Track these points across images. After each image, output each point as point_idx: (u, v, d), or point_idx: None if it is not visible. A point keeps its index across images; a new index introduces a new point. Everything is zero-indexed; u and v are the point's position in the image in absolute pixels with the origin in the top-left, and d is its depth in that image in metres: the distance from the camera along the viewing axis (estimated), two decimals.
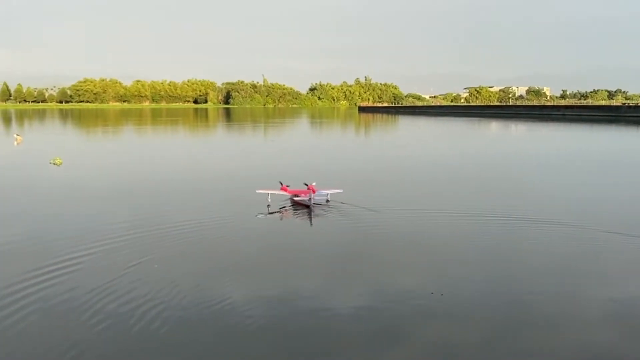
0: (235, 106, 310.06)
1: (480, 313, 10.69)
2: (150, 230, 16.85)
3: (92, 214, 19.24)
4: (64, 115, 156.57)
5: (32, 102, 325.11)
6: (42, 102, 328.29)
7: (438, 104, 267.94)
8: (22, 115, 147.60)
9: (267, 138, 66.94)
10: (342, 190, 22.19)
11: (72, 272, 12.82)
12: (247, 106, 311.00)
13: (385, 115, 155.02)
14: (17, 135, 55.12)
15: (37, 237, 16.12)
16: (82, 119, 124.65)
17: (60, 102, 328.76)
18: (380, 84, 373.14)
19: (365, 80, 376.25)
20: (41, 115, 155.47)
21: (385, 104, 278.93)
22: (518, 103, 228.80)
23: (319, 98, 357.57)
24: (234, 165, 34.48)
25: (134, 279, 12.32)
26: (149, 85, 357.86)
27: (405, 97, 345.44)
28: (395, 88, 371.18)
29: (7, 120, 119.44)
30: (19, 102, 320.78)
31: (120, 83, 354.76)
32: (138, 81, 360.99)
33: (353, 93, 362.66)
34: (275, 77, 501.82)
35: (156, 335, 9.67)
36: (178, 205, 21.08)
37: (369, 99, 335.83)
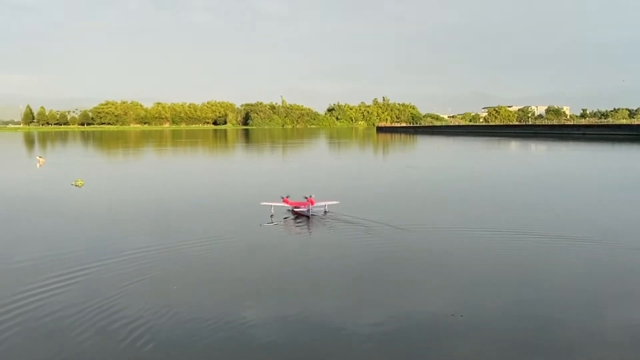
0: (254, 127, 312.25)
1: (501, 335, 10.44)
2: (162, 247, 16.95)
3: (107, 233, 19.37)
4: (86, 137, 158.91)
5: (54, 124, 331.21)
6: (65, 124, 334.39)
7: (457, 123, 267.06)
8: (44, 138, 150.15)
9: (284, 157, 67.06)
10: (338, 202, 23.86)
11: (74, 290, 12.90)
12: (266, 127, 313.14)
13: (403, 135, 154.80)
14: (40, 157, 56.03)
15: (51, 254, 16.20)
16: (103, 141, 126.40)
17: (82, 124, 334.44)
18: (398, 104, 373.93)
19: (383, 100, 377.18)
20: (63, 137, 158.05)
21: (404, 124, 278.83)
22: (537, 122, 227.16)
23: (337, 118, 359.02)
24: (249, 183, 34.51)
25: (139, 296, 12.32)
26: (169, 107, 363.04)
27: (424, 117, 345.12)
28: (414, 108, 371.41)
29: (30, 142, 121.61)
30: (42, 125, 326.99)
31: (141, 105, 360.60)
32: (158, 103, 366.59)
33: (371, 113, 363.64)
34: (294, 98, 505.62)
35: (154, 355, 9.57)
36: (192, 223, 21.25)
37: (387, 119, 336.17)
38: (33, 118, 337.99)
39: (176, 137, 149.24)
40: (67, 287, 13.10)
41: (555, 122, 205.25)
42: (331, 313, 11.54)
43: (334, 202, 23.67)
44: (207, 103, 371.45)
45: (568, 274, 14.32)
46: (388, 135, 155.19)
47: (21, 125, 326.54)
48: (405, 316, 11.38)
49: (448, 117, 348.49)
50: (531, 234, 18.84)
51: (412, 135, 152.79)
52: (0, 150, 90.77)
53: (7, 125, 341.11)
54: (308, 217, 22.04)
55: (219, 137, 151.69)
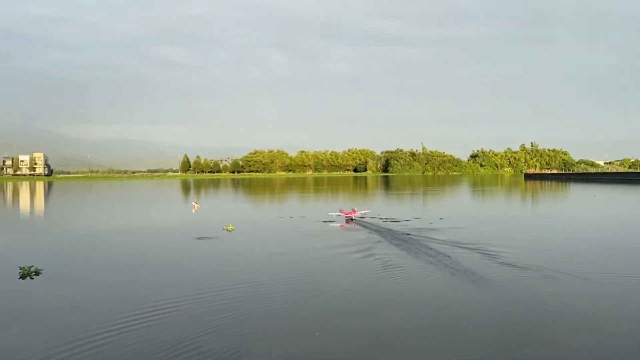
0: (394, 174, 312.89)
1: None
2: (302, 289, 16.91)
3: (249, 278, 19.57)
4: (236, 184, 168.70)
5: (208, 172, 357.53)
6: (217, 172, 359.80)
7: (614, 170, 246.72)
8: (199, 184, 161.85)
9: (425, 204, 65.27)
10: (369, 210, 42.63)
11: (205, 319, 12.86)
12: (406, 174, 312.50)
13: (554, 183, 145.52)
14: (195, 202, 59.84)
15: (198, 293, 16.46)
16: (252, 188, 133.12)
17: (233, 172, 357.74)
18: (548, 149, 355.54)
19: (532, 146, 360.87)
20: (216, 184, 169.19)
21: (554, 171, 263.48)
22: None
23: (481, 165, 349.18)
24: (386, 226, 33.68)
25: (276, 340, 12.03)
26: (312, 155, 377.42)
27: (577, 163, 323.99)
28: (565, 154, 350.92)
29: (187, 188, 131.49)
30: (197, 172, 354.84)
31: (286, 154, 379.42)
32: (302, 152, 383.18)
33: (518, 159, 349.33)
34: (435, 145, 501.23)
35: None
36: (331, 266, 21.33)
37: (535, 166, 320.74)
38: (189, 166, 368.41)
39: (318, 184, 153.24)
40: (205, 316, 13.13)
41: None
42: None
43: (367, 211, 42.38)
44: (348, 151, 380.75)
45: None
46: (537, 183, 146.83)
47: (179, 173, 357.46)
48: None
49: (604, 163, 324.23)
50: None
51: (564, 183, 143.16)
52: (162, 197, 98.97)
53: (167, 173, 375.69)
54: (352, 219, 38.12)
55: (359, 184, 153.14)
